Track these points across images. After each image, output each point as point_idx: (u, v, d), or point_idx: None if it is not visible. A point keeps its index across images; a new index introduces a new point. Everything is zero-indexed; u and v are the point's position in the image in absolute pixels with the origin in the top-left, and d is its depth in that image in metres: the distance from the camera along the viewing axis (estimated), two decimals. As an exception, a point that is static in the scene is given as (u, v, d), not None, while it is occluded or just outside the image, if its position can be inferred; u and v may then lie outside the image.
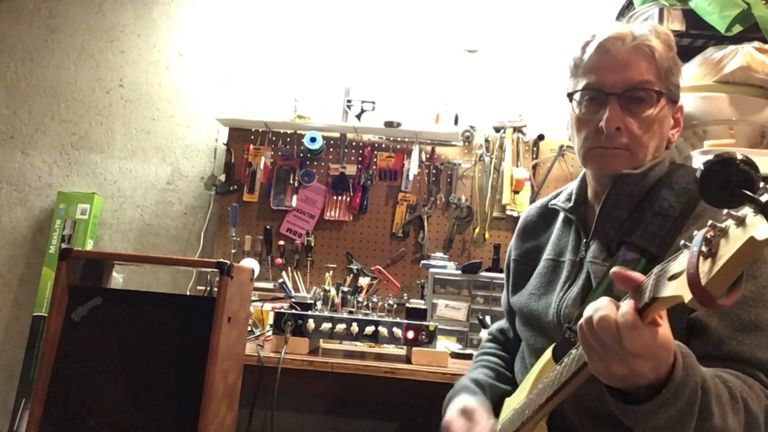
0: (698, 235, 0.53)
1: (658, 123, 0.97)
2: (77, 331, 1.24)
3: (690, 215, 0.92)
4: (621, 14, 2.14)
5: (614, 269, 0.66)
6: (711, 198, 0.53)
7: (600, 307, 0.66)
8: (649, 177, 0.98)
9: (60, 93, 2.84)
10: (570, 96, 1.02)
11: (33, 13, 2.88)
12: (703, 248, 0.52)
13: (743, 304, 0.84)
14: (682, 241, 0.57)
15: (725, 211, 0.51)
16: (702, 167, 0.54)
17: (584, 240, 1.03)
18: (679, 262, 0.57)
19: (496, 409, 1.09)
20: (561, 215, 1.13)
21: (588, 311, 0.67)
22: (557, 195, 1.16)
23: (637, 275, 0.65)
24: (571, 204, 1.08)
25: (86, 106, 2.83)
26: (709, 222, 0.52)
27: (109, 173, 2.79)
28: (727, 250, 0.49)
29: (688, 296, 0.53)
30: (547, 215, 1.18)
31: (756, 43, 1.78)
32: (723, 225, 0.50)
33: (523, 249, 1.19)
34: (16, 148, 2.81)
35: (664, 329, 0.64)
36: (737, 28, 1.78)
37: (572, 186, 1.11)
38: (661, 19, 1.86)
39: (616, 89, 0.95)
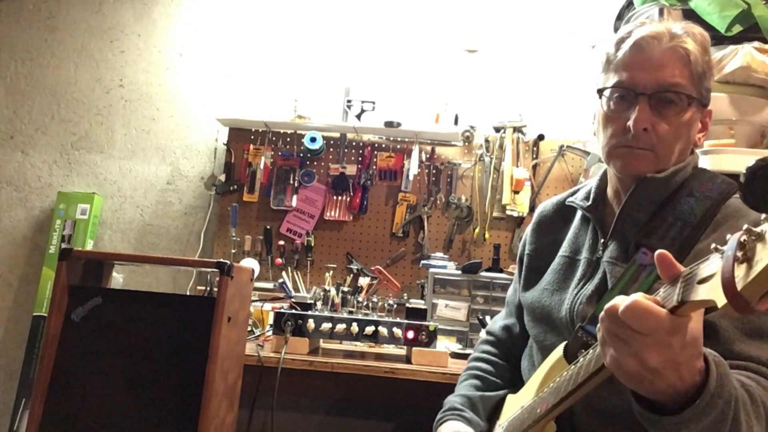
0: (732, 239, 0.52)
1: (687, 127, 0.96)
2: (77, 331, 1.24)
3: (710, 223, 0.92)
4: (621, 14, 2.14)
5: (660, 251, 0.64)
6: (755, 201, 0.52)
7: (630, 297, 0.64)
8: (672, 181, 0.98)
9: (60, 93, 2.84)
10: (600, 92, 1.01)
11: (33, 13, 2.88)
12: (738, 253, 0.50)
13: None
14: (713, 245, 0.55)
15: (763, 216, 0.50)
16: (746, 171, 0.53)
17: (602, 240, 1.03)
18: (710, 266, 0.55)
19: (495, 410, 1.09)
20: (579, 213, 1.12)
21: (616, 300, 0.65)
22: (575, 192, 1.15)
23: (680, 266, 0.63)
24: (590, 203, 1.07)
25: (86, 106, 2.83)
26: (745, 226, 0.51)
27: (109, 173, 2.79)
28: (765, 255, 0.48)
29: (721, 301, 0.51)
30: (564, 212, 1.17)
31: (756, 43, 1.78)
32: (759, 229, 0.49)
33: (538, 244, 1.18)
34: (16, 148, 2.81)
35: (692, 331, 0.62)
36: (737, 28, 1.78)
37: (591, 183, 1.10)
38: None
39: (647, 89, 0.94)
